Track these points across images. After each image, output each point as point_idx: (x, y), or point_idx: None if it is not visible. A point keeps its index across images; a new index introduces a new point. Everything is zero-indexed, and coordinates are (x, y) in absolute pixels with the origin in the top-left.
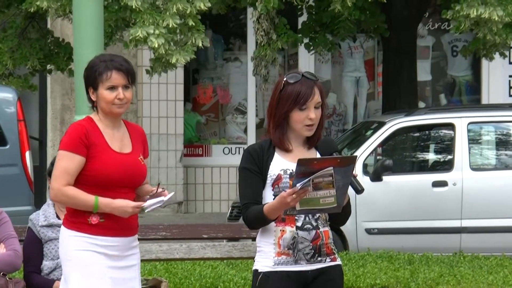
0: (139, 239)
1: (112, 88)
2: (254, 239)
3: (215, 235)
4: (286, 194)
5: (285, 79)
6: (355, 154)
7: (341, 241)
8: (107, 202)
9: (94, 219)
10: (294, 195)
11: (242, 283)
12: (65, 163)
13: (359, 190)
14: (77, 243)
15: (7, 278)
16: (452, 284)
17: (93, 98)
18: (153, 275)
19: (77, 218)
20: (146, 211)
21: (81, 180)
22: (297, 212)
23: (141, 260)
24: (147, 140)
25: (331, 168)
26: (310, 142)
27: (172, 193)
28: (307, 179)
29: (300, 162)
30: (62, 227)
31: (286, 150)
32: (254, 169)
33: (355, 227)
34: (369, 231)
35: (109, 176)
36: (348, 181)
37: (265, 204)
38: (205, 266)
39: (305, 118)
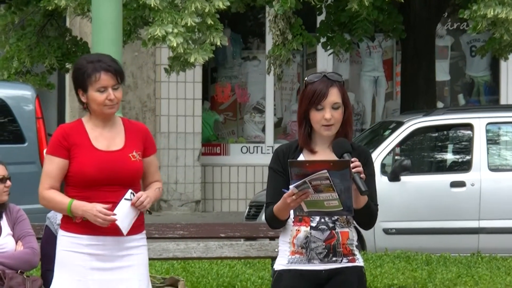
0: (156, 238)
1: (102, 89)
2: (271, 238)
3: (233, 234)
4: (286, 195)
5: (306, 78)
6: (372, 152)
7: (359, 241)
8: (79, 205)
9: (78, 218)
10: (293, 197)
11: (259, 282)
12: (46, 167)
13: (362, 191)
14: (63, 242)
15: (25, 276)
16: (470, 285)
17: (84, 99)
18: (170, 274)
19: (66, 218)
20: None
21: (68, 182)
22: (307, 213)
23: (159, 259)
24: (151, 136)
25: (325, 171)
26: None
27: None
28: (301, 181)
29: (292, 164)
30: None
31: (311, 151)
32: (278, 169)
33: (373, 227)
34: (386, 231)
35: (86, 174)
36: (349, 184)
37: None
38: (223, 265)
39: (321, 118)
